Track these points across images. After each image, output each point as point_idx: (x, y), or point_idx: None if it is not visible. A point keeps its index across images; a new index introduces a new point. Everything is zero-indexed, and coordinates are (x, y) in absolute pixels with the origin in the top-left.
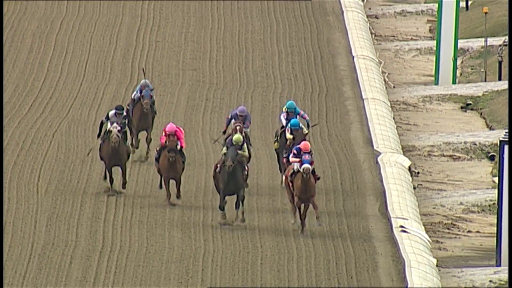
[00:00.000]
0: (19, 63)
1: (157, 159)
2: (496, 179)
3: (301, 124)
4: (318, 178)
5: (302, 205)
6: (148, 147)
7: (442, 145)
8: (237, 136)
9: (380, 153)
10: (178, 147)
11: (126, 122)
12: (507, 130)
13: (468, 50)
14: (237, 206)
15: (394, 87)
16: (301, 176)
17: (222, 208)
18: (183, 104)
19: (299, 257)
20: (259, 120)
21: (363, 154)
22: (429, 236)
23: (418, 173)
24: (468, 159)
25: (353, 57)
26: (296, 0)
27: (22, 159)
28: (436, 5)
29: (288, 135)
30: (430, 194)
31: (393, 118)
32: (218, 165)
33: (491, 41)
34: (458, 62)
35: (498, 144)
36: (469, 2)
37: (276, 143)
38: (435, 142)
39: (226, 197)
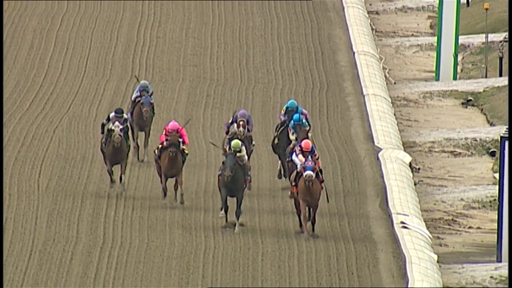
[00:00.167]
0: (20, 59)
1: (158, 158)
2: (496, 175)
3: (303, 120)
4: (322, 181)
5: (307, 209)
6: (145, 149)
7: (443, 141)
8: (235, 142)
9: (380, 149)
10: (181, 144)
11: (127, 124)
12: (507, 126)
13: (469, 46)
14: (237, 215)
15: (394, 83)
16: (304, 183)
17: (225, 210)
18: (183, 100)
19: (300, 253)
20: (259, 116)
21: (363, 150)
22: (430, 232)
23: (419, 169)
24: (469, 155)
25: (353, 53)
26: None
27: (23, 155)
28: (437, 1)
29: (292, 137)
30: (431, 190)
31: (394, 114)
32: (219, 170)
33: (492, 37)
34: (459, 58)
35: (499, 140)
36: None
37: (275, 139)
38: (436, 138)
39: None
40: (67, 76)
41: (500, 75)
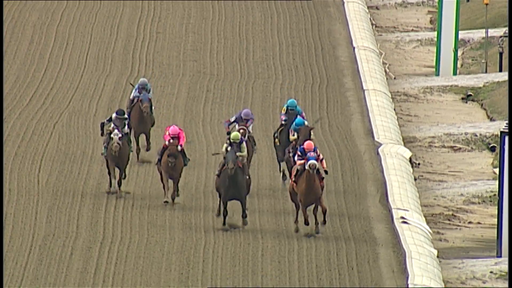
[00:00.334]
0: (20, 55)
1: (159, 160)
2: (496, 170)
3: (306, 122)
4: (322, 178)
5: (309, 206)
6: (147, 151)
7: (443, 136)
8: (235, 134)
9: (380, 144)
10: (179, 148)
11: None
12: (507, 121)
13: (469, 41)
14: (243, 215)
15: (394, 78)
16: (305, 177)
17: (224, 215)
18: (183, 95)
19: (300, 249)
20: (259, 111)
21: (363, 145)
22: (430, 227)
23: (419, 164)
24: (469, 150)
25: (353, 48)
26: None
27: (23, 150)
28: None
29: (292, 137)
30: (431, 185)
31: (394, 109)
32: (218, 170)
33: (492, 32)
34: (459, 53)
35: (499, 135)
36: None
37: (276, 140)
38: (436, 133)
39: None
40: (67, 71)
41: (500, 70)
